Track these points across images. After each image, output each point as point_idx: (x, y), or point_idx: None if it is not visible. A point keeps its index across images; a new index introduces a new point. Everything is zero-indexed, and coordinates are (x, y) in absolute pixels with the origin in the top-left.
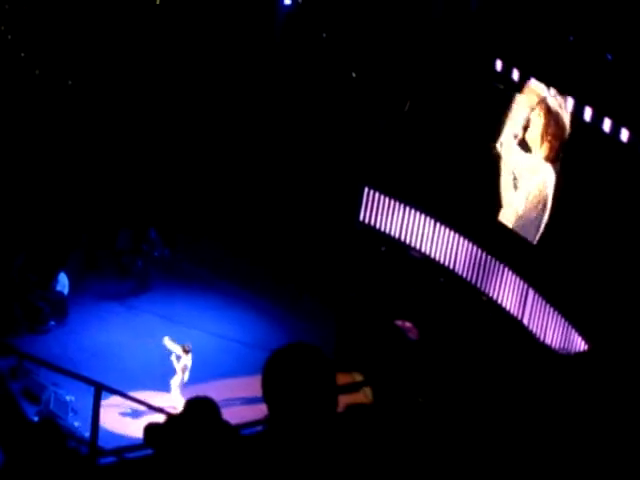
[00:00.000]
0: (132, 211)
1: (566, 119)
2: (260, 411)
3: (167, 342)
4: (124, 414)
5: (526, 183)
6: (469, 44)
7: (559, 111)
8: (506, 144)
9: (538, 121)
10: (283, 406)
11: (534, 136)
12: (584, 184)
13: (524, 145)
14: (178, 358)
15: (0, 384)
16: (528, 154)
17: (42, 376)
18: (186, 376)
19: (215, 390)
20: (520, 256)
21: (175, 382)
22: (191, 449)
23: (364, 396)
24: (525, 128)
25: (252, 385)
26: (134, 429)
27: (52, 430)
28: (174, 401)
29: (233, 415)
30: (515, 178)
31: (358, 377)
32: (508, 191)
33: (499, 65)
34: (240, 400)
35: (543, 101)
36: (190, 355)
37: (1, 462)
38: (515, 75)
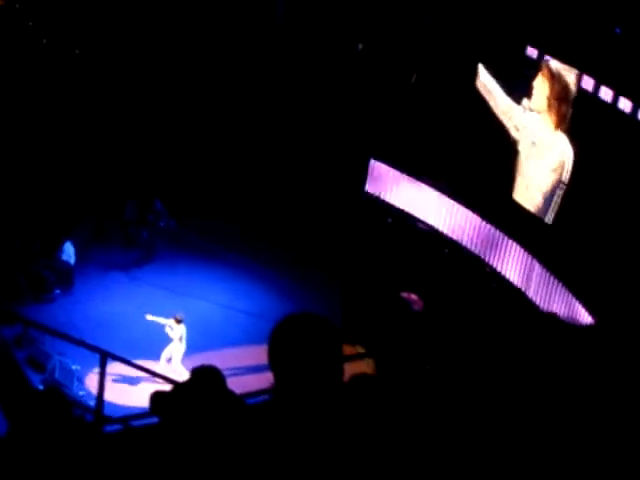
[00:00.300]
0: (139, 182)
1: (570, 80)
2: (266, 380)
3: (150, 318)
4: (129, 383)
5: (546, 152)
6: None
7: (562, 73)
8: (516, 115)
9: (542, 85)
10: (289, 375)
11: (539, 102)
12: (597, 159)
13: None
14: (172, 329)
15: (5, 352)
16: (542, 121)
17: (47, 345)
18: (184, 346)
19: (220, 358)
20: (527, 230)
21: (171, 352)
22: (196, 417)
23: (367, 365)
24: (529, 95)
25: (258, 354)
26: (139, 398)
27: (57, 398)
28: (175, 371)
29: (238, 384)
30: (534, 145)
31: (361, 350)
32: (528, 161)
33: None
34: (246, 369)
35: (546, 65)
36: (183, 325)
37: (6, 430)
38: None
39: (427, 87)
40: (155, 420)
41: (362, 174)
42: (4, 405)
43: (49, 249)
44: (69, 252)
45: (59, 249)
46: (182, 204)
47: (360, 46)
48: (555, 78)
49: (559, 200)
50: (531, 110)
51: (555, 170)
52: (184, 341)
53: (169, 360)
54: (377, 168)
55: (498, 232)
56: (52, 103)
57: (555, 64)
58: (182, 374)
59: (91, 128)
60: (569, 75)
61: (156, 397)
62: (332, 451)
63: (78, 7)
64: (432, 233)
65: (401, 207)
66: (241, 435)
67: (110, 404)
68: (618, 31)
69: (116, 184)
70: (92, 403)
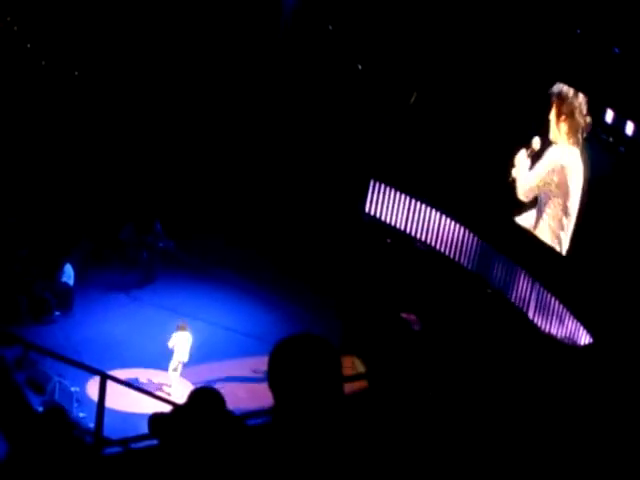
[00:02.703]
0: (137, 203)
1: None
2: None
3: (171, 344)
4: (128, 404)
5: (542, 163)
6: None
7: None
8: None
9: (553, 114)
10: (289, 396)
11: (556, 131)
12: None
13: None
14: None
15: (5, 374)
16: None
17: (47, 367)
18: (187, 356)
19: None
20: (528, 252)
21: (177, 362)
22: (196, 439)
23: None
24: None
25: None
26: (138, 419)
27: (58, 420)
28: (176, 383)
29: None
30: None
31: (356, 360)
32: (522, 171)
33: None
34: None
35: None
36: (188, 332)
37: (6, 452)
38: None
39: (427, 107)
40: (155, 442)
41: (362, 195)
42: (4, 427)
43: (49, 271)
44: (69, 273)
45: (59, 270)
46: (181, 225)
47: (359, 67)
48: (564, 100)
49: (550, 212)
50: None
51: (547, 173)
52: (188, 352)
53: (175, 370)
54: (377, 188)
55: (494, 250)
56: (51, 124)
57: (560, 87)
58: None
59: (90, 149)
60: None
61: (155, 419)
62: (332, 472)
63: (76, 29)
64: (431, 252)
65: (401, 227)
66: (241, 457)
67: (111, 424)
68: (617, 51)
69: (115, 205)
70: (92, 425)
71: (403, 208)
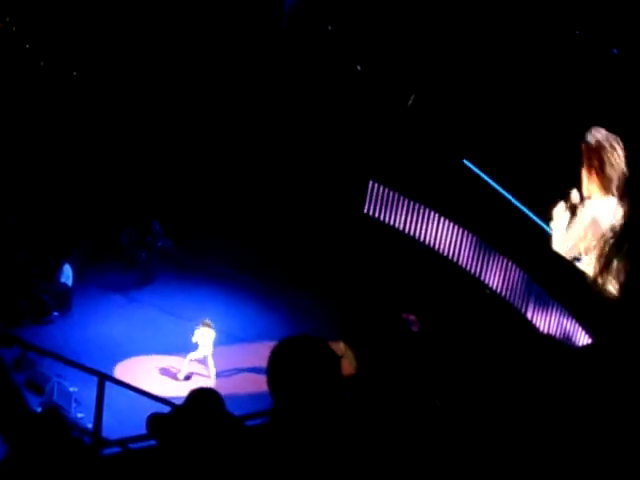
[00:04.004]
0: (136, 203)
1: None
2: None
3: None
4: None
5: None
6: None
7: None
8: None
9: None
10: (288, 397)
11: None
12: None
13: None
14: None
15: (4, 375)
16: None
17: (46, 367)
18: (211, 348)
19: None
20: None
21: (198, 355)
22: (195, 440)
23: (348, 363)
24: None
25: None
26: (137, 419)
27: (55, 420)
28: (210, 369)
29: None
30: None
31: (342, 345)
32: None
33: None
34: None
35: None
36: (212, 330)
37: (4, 453)
38: None
39: (426, 109)
40: (153, 443)
41: (361, 195)
42: (2, 428)
43: (48, 271)
44: (67, 274)
45: (58, 271)
46: (181, 224)
47: (359, 68)
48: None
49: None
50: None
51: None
52: (212, 345)
53: (197, 361)
54: (376, 190)
55: (493, 250)
56: (49, 125)
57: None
58: (212, 369)
59: (89, 149)
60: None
61: (154, 420)
62: (331, 473)
63: (75, 30)
64: (429, 252)
65: (400, 228)
66: (240, 458)
67: (109, 423)
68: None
69: (114, 205)
70: (91, 425)
71: (402, 209)
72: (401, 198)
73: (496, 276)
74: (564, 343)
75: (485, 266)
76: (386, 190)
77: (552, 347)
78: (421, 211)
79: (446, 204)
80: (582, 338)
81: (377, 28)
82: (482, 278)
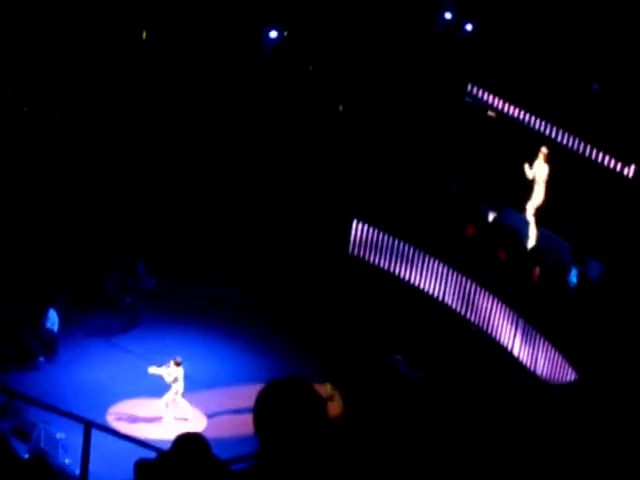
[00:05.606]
0: (118, 247)
1: None
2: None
3: (153, 370)
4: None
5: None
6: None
7: None
8: None
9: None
10: (275, 440)
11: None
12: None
13: None
14: (169, 375)
15: None
16: None
17: (32, 414)
18: (181, 386)
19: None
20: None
21: (171, 396)
22: None
23: (335, 404)
24: None
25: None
26: (124, 466)
27: (43, 467)
28: (183, 411)
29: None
30: None
31: (329, 387)
32: None
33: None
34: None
35: None
36: (181, 367)
37: None
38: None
39: (409, 148)
40: None
41: (345, 236)
42: None
43: (34, 317)
44: (53, 319)
45: (43, 317)
46: (164, 265)
47: (341, 107)
48: None
49: None
50: None
51: None
52: (182, 381)
53: (171, 402)
54: (360, 230)
55: (480, 288)
56: (33, 171)
57: None
58: (186, 409)
59: (72, 196)
60: None
61: (141, 466)
62: None
63: (57, 76)
64: (414, 292)
65: (385, 267)
66: None
67: (97, 469)
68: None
69: (96, 251)
70: (78, 472)
71: (386, 249)
72: (385, 237)
73: (481, 313)
74: (548, 381)
75: (471, 305)
76: (370, 229)
77: (537, 386)
78: (407, 251)
79: (432, 243)
80: (568, 373)
81: (358, 68)
82: (467, 315)
